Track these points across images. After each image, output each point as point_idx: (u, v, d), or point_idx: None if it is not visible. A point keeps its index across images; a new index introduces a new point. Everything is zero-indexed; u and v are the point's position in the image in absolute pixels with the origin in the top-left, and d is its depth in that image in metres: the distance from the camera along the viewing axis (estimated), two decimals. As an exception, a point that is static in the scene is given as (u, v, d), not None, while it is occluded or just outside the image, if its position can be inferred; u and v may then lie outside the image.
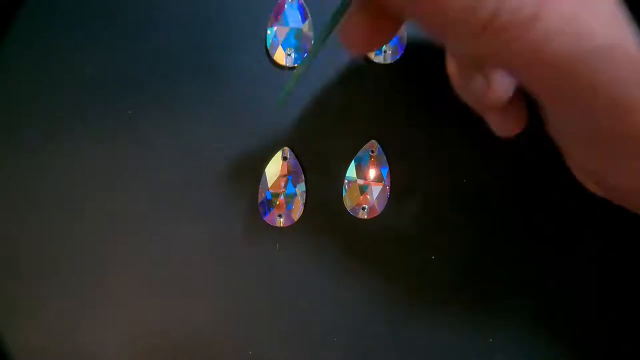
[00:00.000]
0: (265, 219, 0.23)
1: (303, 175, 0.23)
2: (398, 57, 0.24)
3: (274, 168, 0.23)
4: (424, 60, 0.24)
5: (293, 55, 0.23)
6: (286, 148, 0.23)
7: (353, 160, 0.23)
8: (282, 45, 0.24)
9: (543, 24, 0.11)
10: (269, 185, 0.23)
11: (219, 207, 0.23)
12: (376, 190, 0.23)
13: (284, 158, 0.23)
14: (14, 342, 0.23)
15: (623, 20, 0.12)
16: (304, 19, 0.24)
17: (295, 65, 0.23)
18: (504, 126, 0.18)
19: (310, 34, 0.24)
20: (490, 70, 0.16)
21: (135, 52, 0.24)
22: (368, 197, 0.23)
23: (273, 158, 0.23)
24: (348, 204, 0.23)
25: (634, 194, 0.15)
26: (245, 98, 0.24)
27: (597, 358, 0.22)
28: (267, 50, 0.24)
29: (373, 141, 0.23)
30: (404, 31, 0.24)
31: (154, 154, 0.23)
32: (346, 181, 0.23)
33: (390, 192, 0.23)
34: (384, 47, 0.23)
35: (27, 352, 0.23)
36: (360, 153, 0.23)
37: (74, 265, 0.23)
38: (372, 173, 0.23)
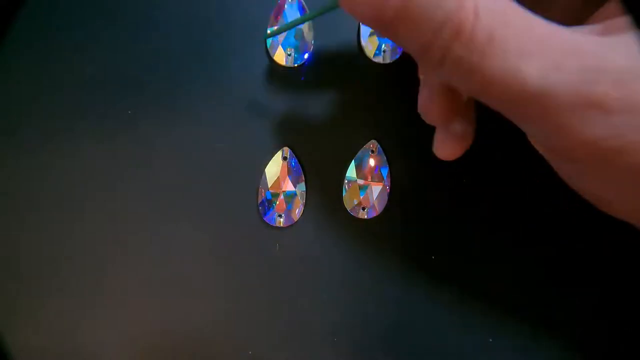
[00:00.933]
0: (265, 219, 0.23)
1: (303, 175, 0.23)
2: (398, 57, 0.24)
3: (274, 168, 0.23)
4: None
5: (293, 55, 0.23)
6: (286, 148, 0.23)
7: (353, 160, 0.23)
8: (282, 45, 0.24)
9: (489, 61, 0.12)
10: (269, 185, 0.23)
11: (219, 207, 0.23)
12: (376, 190, 0.23)
13: (284, 158, 0.23)
14: (14, 342, 0.23)
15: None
16: (304, 19, 0.24)
17: (295, 65, 0.23)
18: (442, 145, 0.18)
19: (311, 33, 0.24)
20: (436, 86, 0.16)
21: (135, 52, 0.24)
22: (368, 197, 0.23)
23: (273, 158, 0.23)
24: (348, 204, 0.23)
25: (619, 210, 0.15)
26: (245, 98, 0.24)
27: (598, 358, 0.22)
28: (267, 50, 0.24)
29: (373, 141, 0.23)
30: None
31: (154, 154, 0.23)
32: (346, 181, 0.23)
33: (390, 192, 0.23)
34: (383, 46, 0.23)
35: (27, 352, 0.23)
36: (360, 153, 0.23)
37: (74, 265, 0.23)
38: (372, 173, 0.23)
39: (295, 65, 0.24)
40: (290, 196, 0.23)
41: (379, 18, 0.13)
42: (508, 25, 0.12)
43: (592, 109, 0.12)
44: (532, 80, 0.12)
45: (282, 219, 0.23)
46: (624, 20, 0.12)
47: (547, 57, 0.12)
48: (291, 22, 0.20)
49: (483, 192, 0.23)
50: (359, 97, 0.23)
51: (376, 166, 0.23)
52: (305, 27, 0.24)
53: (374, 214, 0.23)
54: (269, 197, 0.23)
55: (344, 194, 0.23)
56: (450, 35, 0.12)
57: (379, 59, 0.23)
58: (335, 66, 0.24)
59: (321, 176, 0.23)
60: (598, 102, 0.12)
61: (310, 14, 0.20)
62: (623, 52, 0.12)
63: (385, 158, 0.23)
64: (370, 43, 0.23)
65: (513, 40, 0.12)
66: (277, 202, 0.23)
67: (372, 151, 0.23)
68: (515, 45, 0.12)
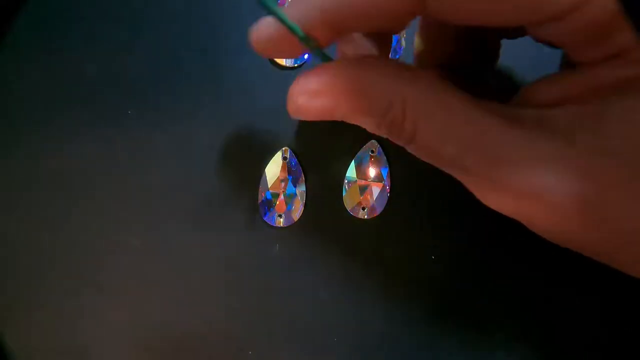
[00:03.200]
0: (265, 219, 0.23)
1: (303, 175, 0.23)
2: (397, 57, 0.24)
3: (274, 168, 0.23)
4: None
5: (293, 55, 0.23)
6: (286, 148, 0.23)
7: (353, 160, 0.23)
8: (282, 45, 0.23)
9: (419, 143, 0.16)
10: (269, 185, 0.23)
11: (219, 207, 0.23)
12: (376, 190, 0.23)
13: (284, 158, 0.23)
14: (14, 342, 0.23)
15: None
16: (304, 19, 0.24)
17: (295, 65, 0.23)
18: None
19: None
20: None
21: (135, 52, 0.24)
22: (368, 197, 0.23)
23: (273, 158, 0.23)
24: (348, 204, 0.23)
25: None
26: (245, 98, 0.24)
27: (598, 358, 0.22)
28: (267, 50, 0.24)
29: (373, 141, 0.23)
30: (403, 32, 0.24)
31: (154, 154, 0.23)
32: (346, 181, 0.23)
33: (390, 192, 0.23)
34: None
35: (27, 352, 0.23)
36: (360, 153, 0.23)
37: (73, 265, 0.23)
38: (372, 173, 0.23)
39: (295, 65, 0.24)
40: (290, 196, 0.23)
41: (330, 118, 0.16)
42: (430, 117, 0.15)
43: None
44: (450, 157, 0.15)
45: (282, 219, 0.23)
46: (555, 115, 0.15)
47: (460, 142, 0.15)
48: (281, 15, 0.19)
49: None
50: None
51: (376, 166, 0.23)
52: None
53: (374, 214, 0.23)
54: (269, 197, 0.23)
55: (344, 194, 0.23)
56: (388, 130, 0.16)
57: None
58: None
59: (321, 176, 0.23)
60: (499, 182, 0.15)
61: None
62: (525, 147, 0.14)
63: (385, 158, 0.23)
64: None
65: (434, 128, 0.15)
66: (277, 202, 0.23)
67: (372, 151, 0.23)
68: (436, 132, 0.15)
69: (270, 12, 0.17)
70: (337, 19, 0.15)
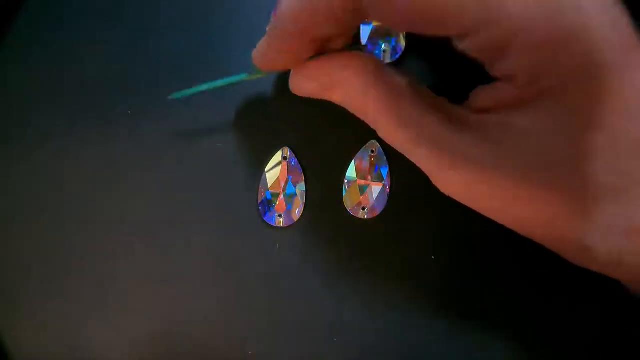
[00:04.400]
0: (265, 219, 0.23)
1: (303, 175, 0.23)
2: (397, 57, 0.24)
3: (274, 168, 0.23)
4: (423, 60, 0.24)
5: (293, 55, 0.23)
6: (286, 148, 0.23)
7: (353, 160, 0.23)
8: (282, 45, 0.23)
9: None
10: (269, 185, 0.23)
11: (219, 207, 0.23)
12: (376, 190, 0.23)
13: (284, 158, 0.23)
14: (14, 342, 0.23)
15: None
16: (304, 19, 0.24)
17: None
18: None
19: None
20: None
21: (135, 52, 0.24)
22: (368, 197, 0.23)
23: (273, 158, 0.23)
24: (348, 204, 0.23)
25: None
26: (245, 98, 0.24)
27: (598, 358, 0.22)
28: (267, 50, 0.24)
29: (373, 141, 0.23)
30: (403, 31, 0.24)
31: (154, 154, 0.23)
32: (346, 181, 0.23)
33: (390, 192, 0.23)
34: (383, 46, 0.23)
35: (27, 352, 0.23)
36: (360, 153, 0.23)
37: (73, 265, 0.23)
38: (372, 173, 0.23)
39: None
40: (290, 196, 0.23)
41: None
42: (387, 110, 0.18)
43: None
44: (401, 145, 0.19)
45: (282, 219, 0.23)
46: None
47: (409, 132, 0.18)
48: (203, 86, 0.22)
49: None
50: (359, 97, 0.23)
51: (376, 166, 0.23)
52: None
53: (374, 214, 0.23)
54: (269, 197, 0.23)
55: (344, 194, 0.23)
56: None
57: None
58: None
59: (321, 176, 0.23)
60: None
61: (224, 81, 0.22)
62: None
63: (385, 158, 0.23)
64: (370, 43, 0.23)
65: (390, 121, 0.19)
66: (277, 202, 0.23)
67: (372, 151, 0.23)
68: (392, 124, 0.19)
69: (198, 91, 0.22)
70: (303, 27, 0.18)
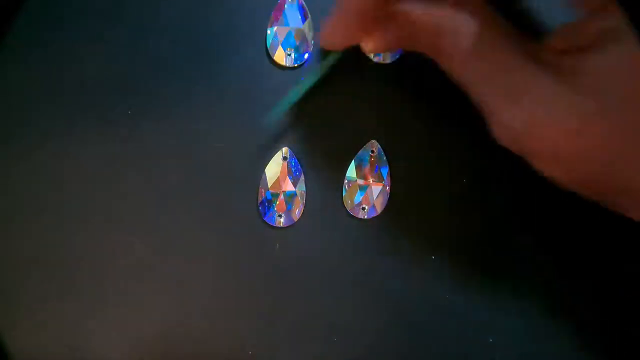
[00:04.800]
0: (265, 219, 0.23)
1: (303, 175, 0.23)
2: (398, 57, 0.24)
3: (274, 168, 0.23)
4: (423, 60, 0.24)
5: (293, 55, 0.23)
6: (286, 148, 0.23)
7: (353, 160, 0.23)
8: (282, 45, 0.24)
9: None
10: (269, 185, 0.23)
11: (219, 207, 0.23)
12: (376, 190, 0.23)
13: (284, 158, 0.23)
14: (14, 342, 0.23)
15: None
16: (304, 19, 0.24)
17: (296, 64, 0.23)
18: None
19: (311, 33, 0.24)
20: None
21: (135, 52, 0.24)
22: (368, 197, 0.23)
23: (273, 158, 0.23)
24: (348, 204, 0.23)
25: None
26: (245, 98, 0.24)
27: (600, 357, 0.22)
28: (267, 50, 0.24)
29: (373, 141, 0.23)
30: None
31: (154, 154, 0.23)
32: (346, 181, 0.23)
33: (390, 192, 0.23)
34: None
35: (27, 352, 0.23)
36: (360, 153, 0.23)
37: (73, 265, 0.23)
38: (372, 173, 0.23)
39: (295, 65, 0.24)
40: (290, 196, 0.23)
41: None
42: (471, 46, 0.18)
43: None
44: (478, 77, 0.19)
45: (282, 219, 0.23)
46: None
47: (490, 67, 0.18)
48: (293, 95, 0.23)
49: (483, 192, 0.23)
50: (359, 97, 0.23)
51: (376, 166, 0.23)
52: (305, 27, 0.24)
53: (374, 214, 0.23)
54: (269, 197, 0.23)
55: (344, 194, 0.23)
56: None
57: (379, 59, 0.23)
58: (335, 66, 0.24)
59: (321, 176, 0.23)
60: None
61: (309, 80, 0.22)
62: None
63: (385, 158, 0.23)
64: (370, 43, 0.23)
65: (472, 54, 0.19)
66: (277, 202, 0.23)
67: (372, 151, 0.23)
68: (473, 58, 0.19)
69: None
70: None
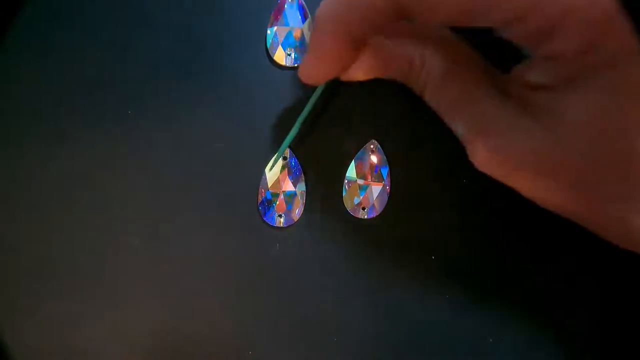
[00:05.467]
0: (265, 219, 0.23)
1: (303, 175, 0.23)
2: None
3: (274, 168, 0.23)
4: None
5: (293, 55, 0.23)
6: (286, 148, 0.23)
7: (353, 160, 0.23)
8: (282, 45, 0.24)
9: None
10: (269, 185, 0.23)
11: (219, 207, 0.23)
12: (376, 190, 0.23)
13: (284, 158, 0.23)
14: (13, 342, 0.23)
15: None
16: (304, 19, 0.24)
17: (296, 64, 0.24)
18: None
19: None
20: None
21: (135, 52, 0.24)
22: (368, 197, 0.23)
23: (273, 158, 0.23)
24: (348, 204, 0.23)
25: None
26: (245, 98, 0.24)
27: (599, 357, 0.22)
28: (267, 50, 0.24)
29: (373, 141, 0.23)
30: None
31: (154, 154, 0.23)
32: (346, 181, 0.23)
33: (390, 192, 0.23)
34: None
35: (27, 352, 0.23)
36: (360, 153, 0.23)
37: (73, 265, 0.23)
38: (372, 173, 0.23)
39: (295, 65, 0.24)
40: (290, 196, 0.23)
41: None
42: (438, 77, 0.19)
43: None
44: (446, 114, 0.20)
45: (282, 219, 0.23)
46: None
47: (456, 105, 0.19)
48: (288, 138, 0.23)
49: (483, 192, 0.23)
50: (359, 97, 0.23)
51: (376, 166, 0.23)
52: (305, 27, 0.24)
53: (374, 214, 0.23)
54: (269, 197, 0.23)
55: (344, 194, 0.23)
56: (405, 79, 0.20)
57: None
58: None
59: (321, 176, 0.23)
60: None
61: (301, 117, 0.22)
62: None
63: (385, 158, 0.23)
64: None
65: (440, 86, 0.19)
66: (277, 202, 0.23)
67: (372, 151, 0.23)
68: (441, 91, 0.19)
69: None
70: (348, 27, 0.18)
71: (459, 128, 0.18)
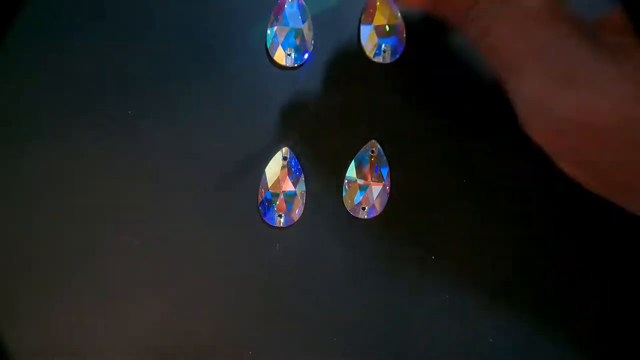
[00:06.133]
0: (265, 219, 0.23)
1: (303, 175, 0.23)
2: (398, 56, 0.24)
3: (274, 168, 0.23)
4: (423, 60, 0.24)
5: (293, 55, 0.23)
6: (286, 148, 0.23)
7: (353, 160, 0.23)
8: (282, 45, 0.24)
9: None
10: (269, 185, 0.23)
11: (219, 207, 0.23)
12: (376, 190, 0.23)
13: (284, 158, 0.23)
14: (13, 342, 0.23)
15: None
16: (304, 19, 0.24)
17: (295, 65, 0.23)
18: None
19: (311, 33, 0.24)
20: None
21: (135, 52, 0.24)
22: (368, 197, 0.23)
23: (273, 158, 0.23)
24: (348, 204, 0.23)
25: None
26: (245, 98, 0.24)
27: (598, 357, 0.22)
28: (267, 50, 0.24)
29: (373, 141, 0.23)
30: (403, 31, 0.24)
31: (154, 154, 0.23)
32: (346, 181, 0.23)
33: (390, 192, 0.23)
34: (383, 46, 0.23)
35: (27, 352, 0.23)
36: (360, 153, 0.23)
37: (73, 265, 0.23)
38: (372, 173, 0.23)
39: (295, 65, 0.24)
40: (290, 196, 0.23)
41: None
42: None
43: None
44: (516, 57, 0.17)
45: (282, 219, 0.23)
46: None
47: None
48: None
49: (483, 192, 0.23)
50: (359, 97, 0.23)
51: (376, 166, 0.23)
52: (305, 27, 0.24)
53: (374, 214, 0.23)
54: (269, 197, 0.23)
55: (344, 194, 0.23)
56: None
57: (379, 59, 0.23)
58: (335, 66, 0.24)
59: (321, 176, 0.23)
60: None
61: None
62: None
63: (385, 158, 0.23)
64: (370, 43, 0.23)
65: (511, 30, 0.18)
66: (277, 202, 0.23)
67: (372, 151, 0.23)
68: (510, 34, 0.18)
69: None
70: None
71: (539, 81, 0.17)
